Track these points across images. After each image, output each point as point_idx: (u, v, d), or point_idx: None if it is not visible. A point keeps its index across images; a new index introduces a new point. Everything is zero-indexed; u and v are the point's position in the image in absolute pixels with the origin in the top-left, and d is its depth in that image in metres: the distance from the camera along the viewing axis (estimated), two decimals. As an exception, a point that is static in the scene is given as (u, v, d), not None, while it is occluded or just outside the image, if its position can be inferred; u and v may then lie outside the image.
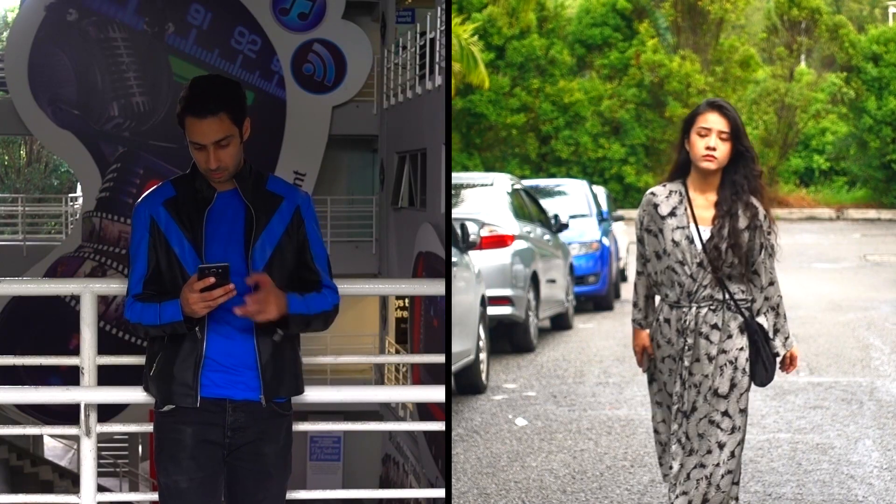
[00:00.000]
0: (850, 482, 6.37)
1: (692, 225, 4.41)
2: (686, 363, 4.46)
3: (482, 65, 20.89)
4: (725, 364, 4.43)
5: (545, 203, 14.46)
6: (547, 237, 12.97)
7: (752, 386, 4.53)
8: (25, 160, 39.03)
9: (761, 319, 4.52)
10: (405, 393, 5.05)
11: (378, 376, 21.40)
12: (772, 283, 4.53)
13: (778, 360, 4.59)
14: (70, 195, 27.62)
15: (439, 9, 17.06)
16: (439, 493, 4.69)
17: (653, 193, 4.50)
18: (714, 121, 4.35)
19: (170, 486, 3.70)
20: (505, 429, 8.06)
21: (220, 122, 3.57)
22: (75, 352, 4.20)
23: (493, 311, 10.78)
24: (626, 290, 16.41)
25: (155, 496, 3.85)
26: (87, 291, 4.12)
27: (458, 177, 13.15)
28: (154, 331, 3.64)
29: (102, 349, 4.19)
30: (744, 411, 4.47)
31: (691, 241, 4.40)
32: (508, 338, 11.61)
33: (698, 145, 4.35)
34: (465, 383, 9.57)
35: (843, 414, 8.19)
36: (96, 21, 21.54)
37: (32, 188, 37.44)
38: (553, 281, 12.74)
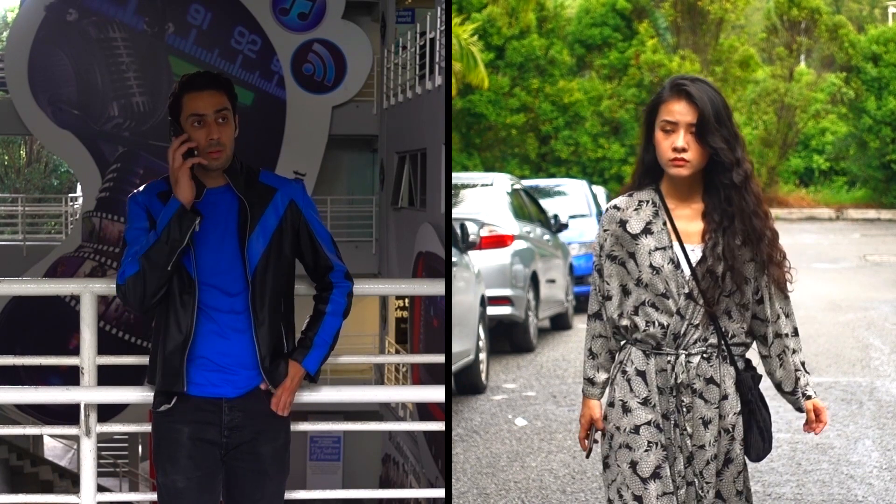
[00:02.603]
0: (849, 482, 6.37)
1: (675, 244, 3.38)
2: (689, 429, 3.40)
3: (482, 65, 20.89)
4: (721, 432, 3.41)
5: (545, 203, 14.47)
6: (547, 237, 12.97)
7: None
8: (25, 160, 39.03)
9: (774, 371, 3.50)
10: (405, 393, 5.06)
11: (378, 376, 21.39)
12: (778, 317, 3.48)
13: (799, 413, 3.58)
14: (70, 195, 27.62)
15: (439, 9, 17.06)
16: (439, 493, 4.68)
17: (616, 207, 3.44)
18: (680, 111, 3.31)
19: (168, 485, 3.70)
20: (505, 429, 8.06)
21: (220, 96, 3.61)
22: (75, 352, 4.20)
23: (492, 311, 10.79)
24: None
25: (155, 496, 3.85)
26: (87, 291, 4.12)
27: (457, 177, 13.16)
28: (157, 253, 3.54)
29: (102, 349, 4.19)
30: (742, 494, 3.47)
31: (677, 266, 3.36)
32: (508, 338, 11.61)
33: (663, 146, 3.33)
34: (465, 383, 9.58)
35: (843, 414, 8.19)
36: (96, 21, 21.55)
37: (32, 188, 37.44)
38: (553, 281, 12.74)
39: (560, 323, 13.40)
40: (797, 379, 3.49)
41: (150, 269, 3.55)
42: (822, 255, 21.43)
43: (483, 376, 9.77)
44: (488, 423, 8.30)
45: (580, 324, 13.78)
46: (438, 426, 4.60)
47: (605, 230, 3.45)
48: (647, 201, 3.41)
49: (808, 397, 3.51)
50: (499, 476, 6.72)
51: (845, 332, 12.18)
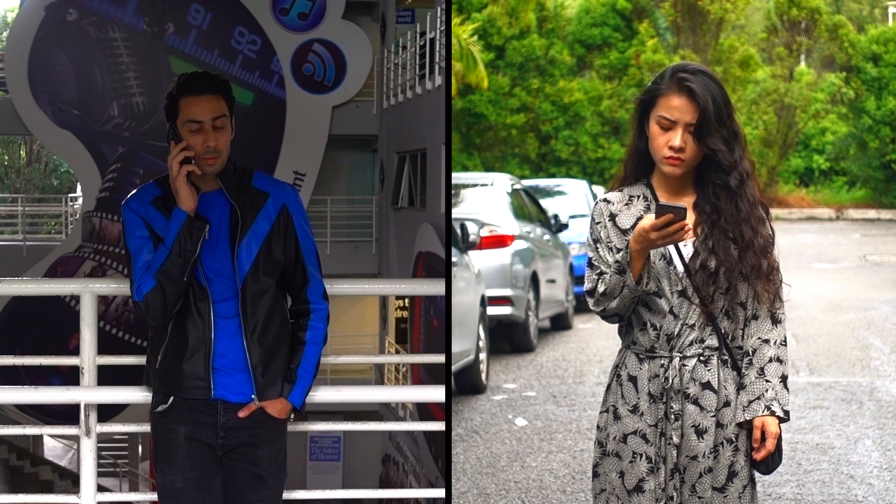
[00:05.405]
0: (849, 482, 6.37)
1: None
2: (675, 439, 3.20)
3: (482, 65, 20.89)
4: (723, 443, 3.21)
5: (545, 203, 14.48)
6: (547, 237, 12.98)
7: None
8: (25, 160, 39.02)
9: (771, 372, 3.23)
10: (405, 393, 5.06)
11: (378, 376, 21.39)
12: (758, 344, 3.22)
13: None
14: (70, 195, 27.62)
15: (439, 9, 17.06)
16: (439, 493, 4.68)
17: (607, 201, 3.28)
18: (680, 109, 3.12)
19: (167, 486, 3.70)
20: (505, 429, 8.06)
21: (217, 101, 3.55)
22: (75, 352, 4.19)
23: (493, 311, 10.79)
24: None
25: (155, 496, 3.85)
26: (87, 291, 4.11)
27: (457, 177, 13.17)
28: (172, 267, 3.51)
29: (102, 349, 4.19)
30: None
31: (669, 262, 3.19)
32: (508, 338, 11.61)
33: (659, 141, 3.15)
34: (465, 383, 9.58)
35: (843, 414, 8.20)
36: (96, 21, 21.54)
37: (32, 188, 37.42)
38: (553, 281, 12.74)
39: (560, 323, 13.40)
40: (766, 390, 3.21)
41: (167, 283, 3.55)
42: (822, 255, 21.42)
43: (483, 376, 9.77)
44: (488, 423, 8.30)
45: (580, 324, 13.78)
46: (438, 426, 4.60)
47: (597, 223, 3.25)
48: (639, 196, 3.25)
49: (773, 412, 3.23)
50: (499, 476, 6.72)
51: (845, 332, 12.18)
